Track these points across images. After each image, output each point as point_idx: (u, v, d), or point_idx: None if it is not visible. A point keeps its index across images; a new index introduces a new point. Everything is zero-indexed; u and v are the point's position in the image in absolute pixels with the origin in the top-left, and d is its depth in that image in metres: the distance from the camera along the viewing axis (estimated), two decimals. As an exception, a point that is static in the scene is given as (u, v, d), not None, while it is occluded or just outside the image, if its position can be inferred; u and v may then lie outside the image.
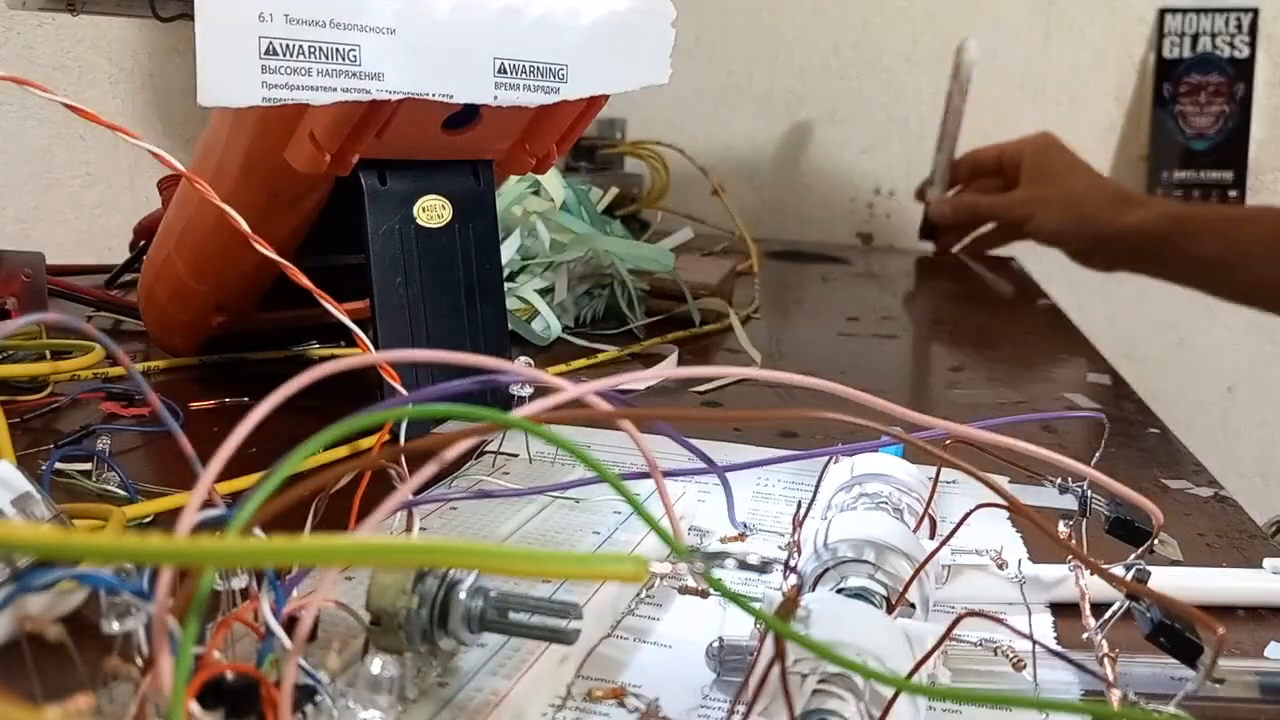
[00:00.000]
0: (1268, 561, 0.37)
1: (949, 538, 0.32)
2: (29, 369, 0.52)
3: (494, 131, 0.52)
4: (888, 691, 0.23)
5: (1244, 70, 1.30)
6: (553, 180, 0.82)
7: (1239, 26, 1.30)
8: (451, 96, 0.46)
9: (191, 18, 0.39)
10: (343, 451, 0.44)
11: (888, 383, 0.68)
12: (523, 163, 0.55)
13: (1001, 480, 0.39)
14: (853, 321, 0.84)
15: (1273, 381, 1.36)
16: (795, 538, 0.36)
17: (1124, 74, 1.35)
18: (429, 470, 0.24)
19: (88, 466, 0.43)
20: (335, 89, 0.42)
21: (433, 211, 0.51)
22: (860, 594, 0.29)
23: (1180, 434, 0.57)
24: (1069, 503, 0.35)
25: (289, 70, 0.41)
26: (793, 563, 0.34)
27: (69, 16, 1.24)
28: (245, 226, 0.32)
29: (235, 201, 0.37)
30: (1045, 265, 1.17)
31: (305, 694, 0.23)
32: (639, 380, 0.58)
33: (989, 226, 1.19)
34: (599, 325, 0.76)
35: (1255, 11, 1.29)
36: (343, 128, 0.45)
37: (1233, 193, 1.32)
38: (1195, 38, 1.31)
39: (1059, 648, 0.31)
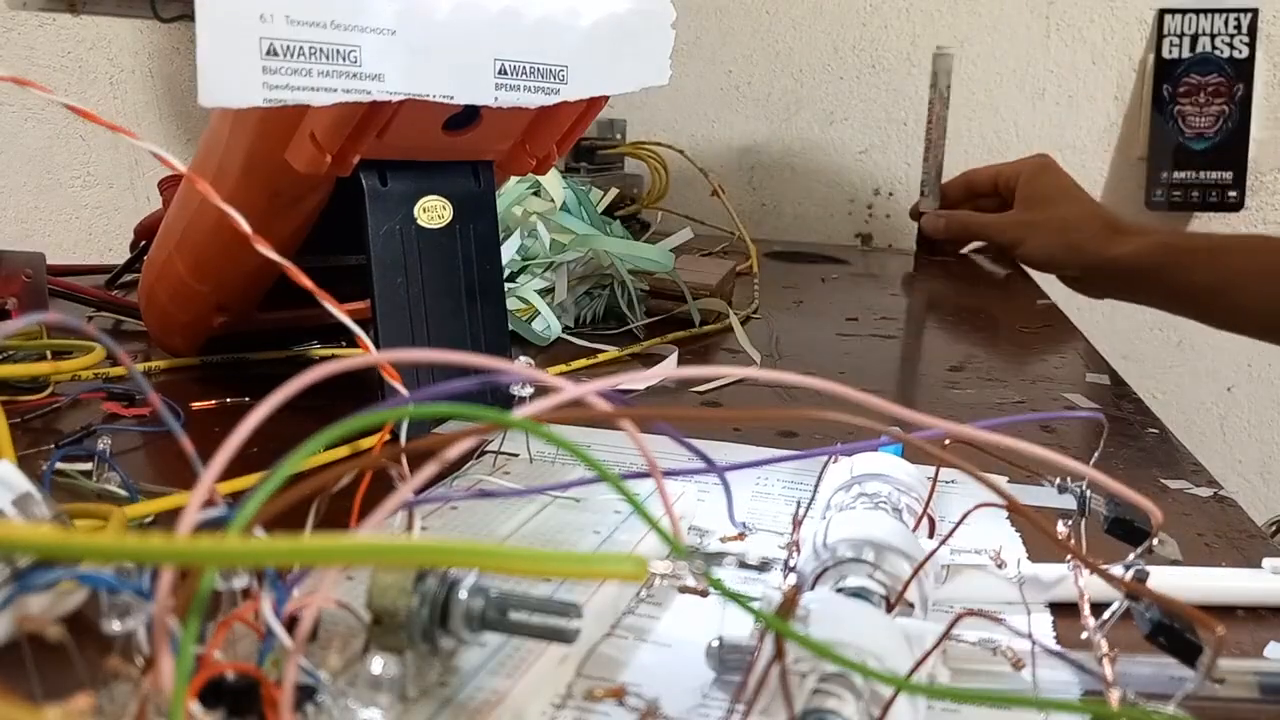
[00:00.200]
0: (1267, 561, 0.37)
1: (948, 537, 0.32)
2: (29, 369, 0.53)
3: (494, 132, 0.52)
4: (887, 691, 0.23)
5: (1243, 70, 1.30)
6: (553, 181, 0.83)
7: (1238, 27, 1.30)
8: (452, 97, 0.46)
9: (192, 18, 0.39)
10: (343, 451, 0.44)
11: (887, 382, 0.68)
12: (523, 163, 0.55)
13: (1000, 480, 0.39)
14: (852, 321, 0.84)
15: (1272, 381, 1.36)
16: (794, 537, 0.36)
17: (1123, 74, 1.35)
18: (429, 470, 0.24)
19: (88, 466, 0.43)
20: (336, 90, 0.42)
21: (433, 212, 0.51)
22: (859, 593, 0.29)
23: (1180, 434, 0.57)
24: (1068, 502, 0.35)
25: (290, 71, 0.41)
26: (792, 562, 0.34)
27: (69, 17, 1.25)
28: (246, 227, 0.32)
29: (236, 202, 0.36)
30: (1045, 265, 1.18)
31: (306, 693, 0.23)
32: (639, 380, 0.58)
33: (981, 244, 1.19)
34: (599, 325, 0.76)
35: (1255, 12, 1.29)
36: (343, 128, 0.45)
37: (1232, 193, 1.32)
38: (1194, 38, 1.31)
39: (1058, 647, 0.31)
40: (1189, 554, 0.39)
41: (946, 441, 0.33)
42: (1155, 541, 0.32)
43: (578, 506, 0.38)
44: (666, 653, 0.31)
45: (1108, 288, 1.05)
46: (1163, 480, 0.48)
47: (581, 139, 1.02)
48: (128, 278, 0.81)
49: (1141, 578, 0.31)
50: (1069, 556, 0.34)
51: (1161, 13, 1.32)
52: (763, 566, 0.36)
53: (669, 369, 0.61)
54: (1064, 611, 0.34)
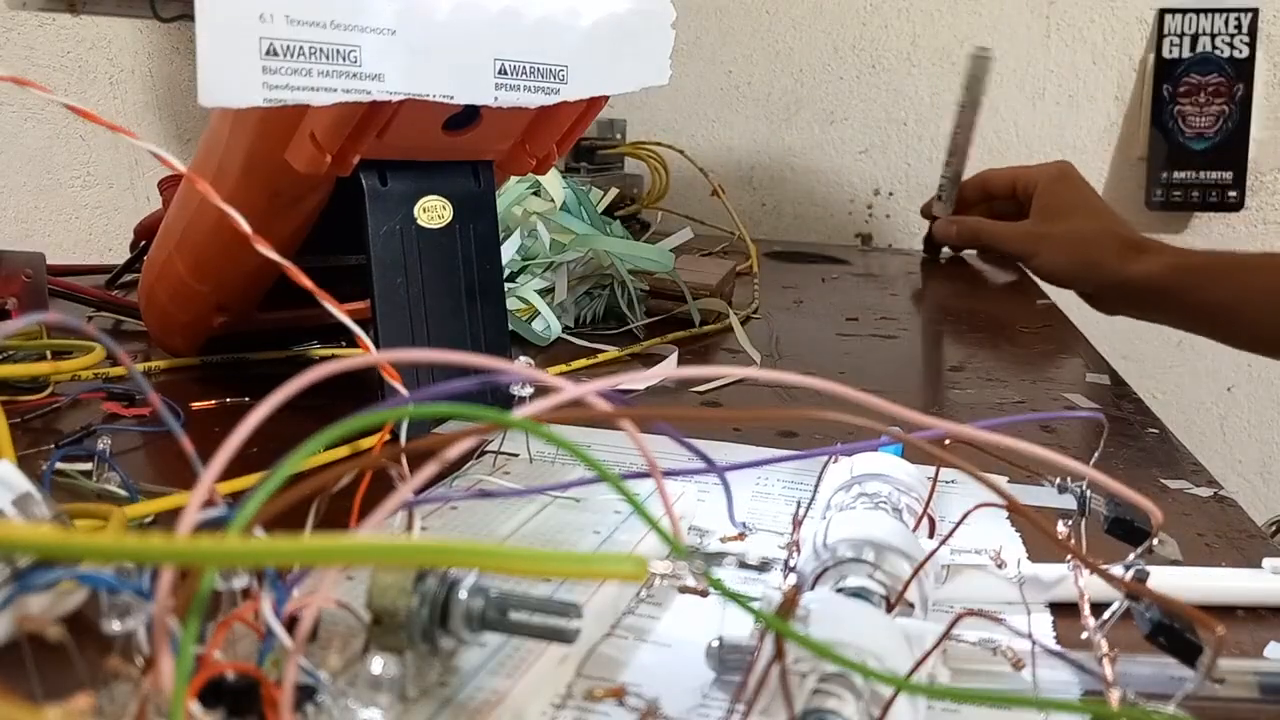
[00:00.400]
0: (1267, 561, 0.37)
1: (948, 537, 0.32)
2: (29, 369, 0.53)
3: (494, 132, 0.52)
4: (887, 691, 0.23)
5: (1243, 70, 1.30)
6: (553, 181, 0.83)
7: (1238, 27, 1.30)
8: (452, 97, 0.46)
9: (192, 18, 0.39)
10: (343, 451, 0.44)
11: (887, 383, 0.68)
12: (523, 163, 0.55)
13: (1000, 480, 0.39)
14: (852, 321, 0.84)
15: (1272, 381, 1.36)
16: (794, 537, 0.36)
17: (1123, 74, 1.35)
18: (429, 470, 0.24)
19: (88, 466, 0.43)
20: (336, 90, 0.42)
21: (433, 212, 0.51)
22: (859, 593, 0.29)
23: (1180, 434, 0.57)
24: (1068, 502, 0.35)
25: (290, 71, 0.41)
26: (792, 562, 0.34)
27: (69, 17, 1.25)
28: (246, 227, 0.32)
29: (236, 202, 0.37)
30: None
31: (306, 693, 0.23)
32: (639, 380, 0.58)
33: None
34: (599, 325, 0.76)
35: (1255, 12, 1.29)
36: (343, 128, 0.45)
37: (1232, 193, 1.32)
38: (1195, 38, 1.31)
39: (1058, 647, 0.31)
40: (1189, 554, 0.39)
41: (946, 441, 0.33)
42: (1155, 541, 0.32)
43: (578, 506, 0.38)
44: (666, 653, 0.31)
45: (1122, 306, 1.03)
46: (1163, 480, 0.48)
47: (581, 139, 1.02)
48: (128, 278, 0.81)
49: (1141, 578, 0.31)
50: (1069, 556, 0.34)
51: (1161, 12, 1.32)
52: (763, 566, 0.36)
53: (669, 369, 0.61)
54: (1064, 611, 0.34)
